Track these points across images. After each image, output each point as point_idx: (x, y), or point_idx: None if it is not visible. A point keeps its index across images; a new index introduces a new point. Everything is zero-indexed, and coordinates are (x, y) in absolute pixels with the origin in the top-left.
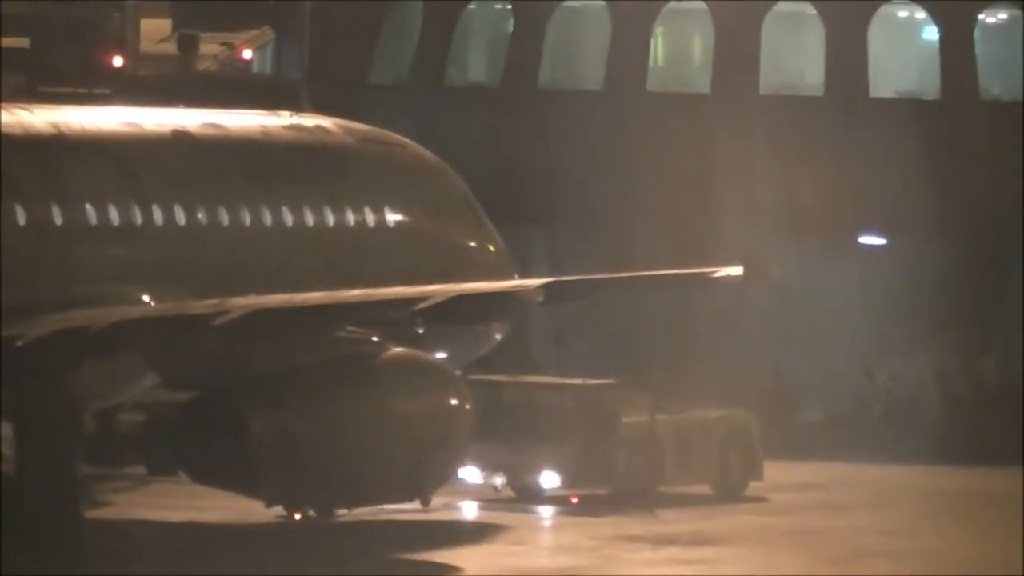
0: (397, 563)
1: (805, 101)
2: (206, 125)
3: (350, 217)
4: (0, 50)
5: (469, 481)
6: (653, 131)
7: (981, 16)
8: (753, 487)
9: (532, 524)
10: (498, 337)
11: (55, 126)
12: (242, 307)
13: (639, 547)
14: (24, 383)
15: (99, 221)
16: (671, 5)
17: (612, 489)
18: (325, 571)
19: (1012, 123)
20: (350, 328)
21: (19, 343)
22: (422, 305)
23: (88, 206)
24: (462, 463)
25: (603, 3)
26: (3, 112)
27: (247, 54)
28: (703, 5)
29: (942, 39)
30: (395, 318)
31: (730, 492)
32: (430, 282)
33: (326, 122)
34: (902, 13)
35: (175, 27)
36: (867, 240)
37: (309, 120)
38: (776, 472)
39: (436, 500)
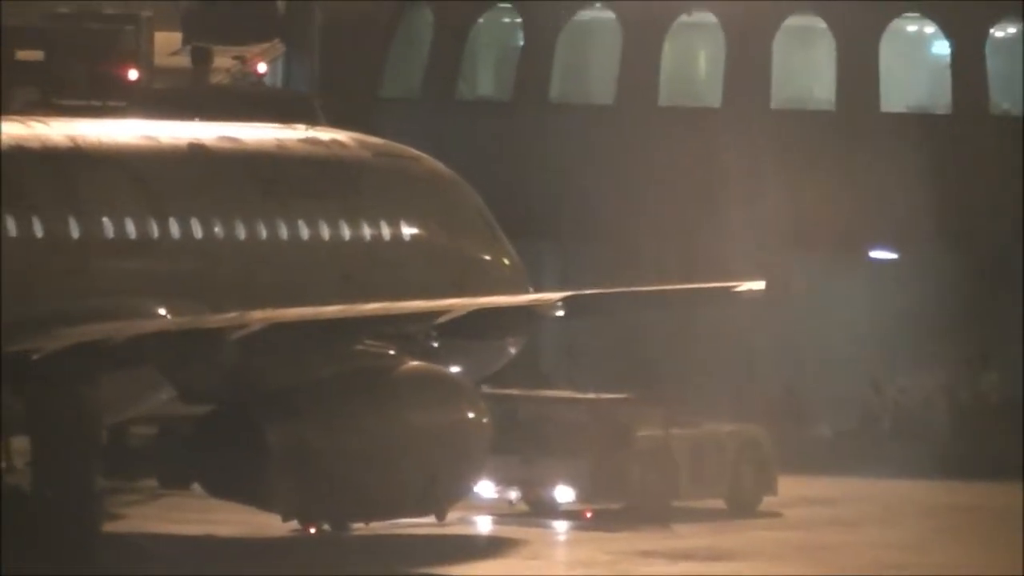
0: None
1: (816, 115)
2: (222, 138)
3: (365, 231)
4: (14, 63)
5: (483, 495)
6: (664, 145)
7: (992, 31)
8: (767, 502)
9: (547, 538)
10: (513, 351)
11: (72, 139)
12: (260, 321)
13: (655, 562)
14: (41, 396)
15: (116, 234)
16: (682, 19)
17: (626, 504)
18: None
19: (1022, 137)
20: (366, 342)
21: (36, 356)
22: (442, 319)
23: (105, 219)
24: (479, 477)
25: (614, 17)
26: (20, 125)
27: (262, 67)
28: (714, 19)
29: (953, 54)
30: (410, 332)
31: (744, 507)
32: (445, 296)
33: (341, 136)
34: (913, 27)
35: (185, 40)
36: (877, 254)
37: (324, 134)
38: (787, 487)
39: (450, 514)
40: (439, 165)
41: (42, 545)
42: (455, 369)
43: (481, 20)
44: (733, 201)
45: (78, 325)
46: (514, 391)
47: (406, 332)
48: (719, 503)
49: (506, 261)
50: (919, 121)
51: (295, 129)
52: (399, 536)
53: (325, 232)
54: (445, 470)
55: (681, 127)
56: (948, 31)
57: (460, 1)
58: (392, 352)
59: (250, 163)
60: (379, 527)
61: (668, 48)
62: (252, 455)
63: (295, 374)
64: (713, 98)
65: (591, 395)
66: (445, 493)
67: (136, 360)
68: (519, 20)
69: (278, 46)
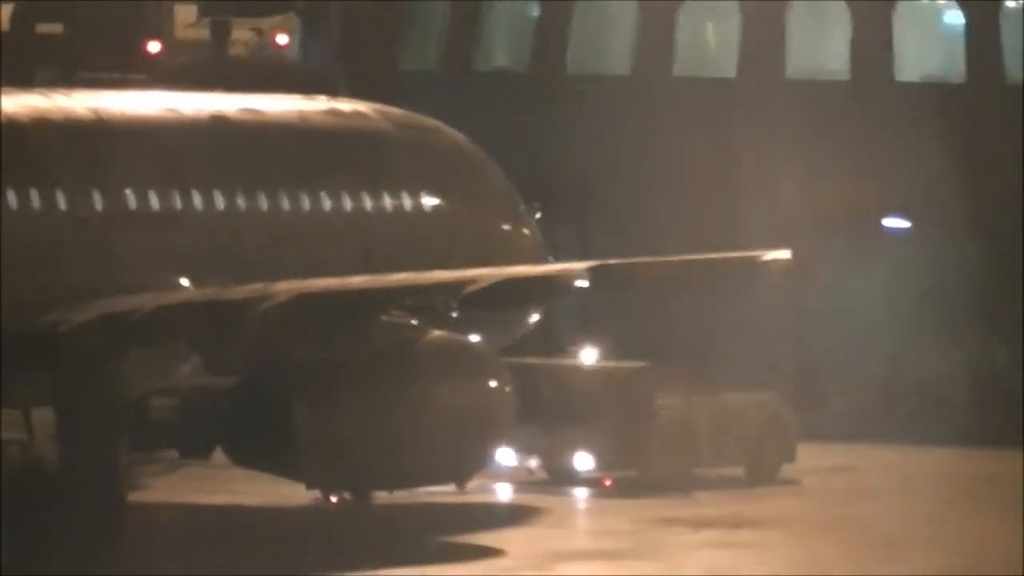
0: (440, 547)
1: (830, 86)
2: (244, 111)
3: (387, 202)
4: (35, 36)
5: (503, 463)
6: (679, 115)
7: (1005, 0)
8: (785, 469)
9: (569, 507)
10: (532, 321)
11: (95, 111)
12: (287, 292)
13: (679, 530)
14: (67, 369)
15: (139, 207)
16: None
17: (646, 472)
18: (371, 553)
19: None
20: (390, 312)
21: (62, 328)
22: (469, 290)
23: (128, 192)
24: (501, 446)
25: None
26: (43, 98)
27: (282, 39)
28: None
29: (967, 24)
30: (431, 303)
31: (763, 475)
32: (467, 267)
33: (362, 107)
34: None
35: (201, 12)
36: (891, 223)
37: (346, 105)
38: (805, 455)
39: (471, 483)
40: (460, 136)
41: (68, 517)
42: (475, 339)
43: None
44: (748, 171)
45: (103, 298)
46: (535, 360)
47: (427, 303)
48: (737, 471)
49: (526, 232)
50: (933, 91)
51: (317, 101)
52: (420, 505)
53: (347, 204)
54: (469, 439)
55: (696, 97)
56: (961, 1)
57: None
58: (415, 322)
59: (272, 135)
60: (400, 496)
61: (683, 18)
62: (278, 425)
63: (320, 345)
64: (728, 68)
65: (611, 364)
66: (469, 462)
67: (162, 332)
68: None
69: (294, 18)
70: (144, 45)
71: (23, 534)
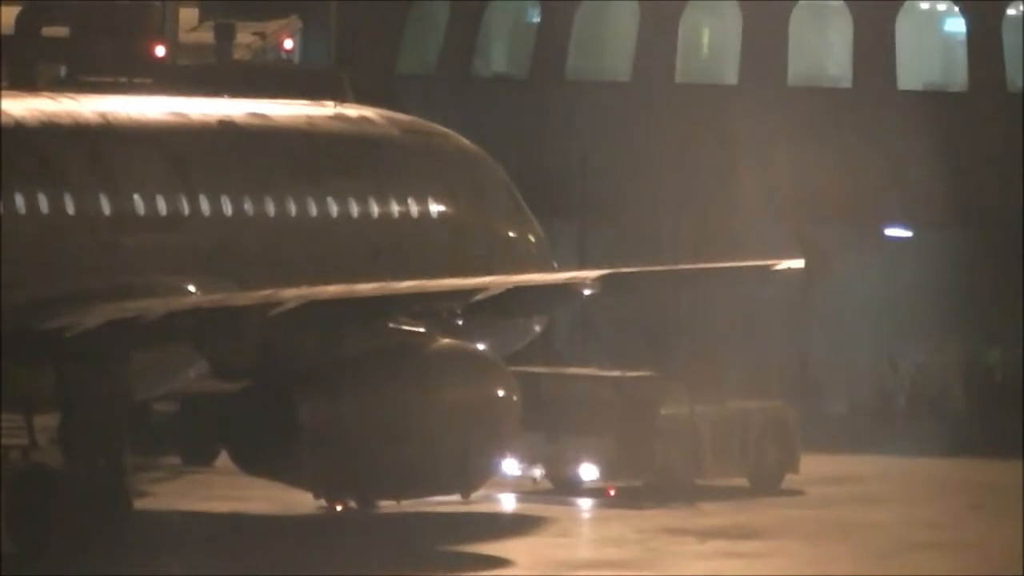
0: (446, 556)
1: (833, 93)
2: (251, 115)
3: (394, 207)
4: (40, 39)
5: (507, 473)
6: (679, 122)
7: (1007, 9)
8: (788, 479)
9: (574, 516)
10: (537, 329)
11: (103, 115)
12: (297, 298)
13: (685, 540)
14: (75, 374)
15: (147, 211)
16: None
17: (649, 481)
18: (377, 563)
19: None
20: (397, 319)
21: (69, 334)
22: (479, 297)
23: (136, 196)
24: (507, 455)
25: None
26: (51, 101)
27: (288, 44)
28: None
29: (969, 31)
30: (437, 309)
31: (767, 485)
32: (473, 273)
33: (369, 112)
34: (928, 5)
35: (202, 16)
36: (893, 232)
37: (352, 110)
38: (807, 464)
39: (475, 492)
40: (466, 142)
41: (74, 522)
42: (482, 347)
43: None
44: (749, 178)
45: (110, 302)
46: (539, 368)
47: (435, 310)
48: (741, 481)
49: (532, 238)
50: (935, 99)
51: (324, 106)
52: (424, 514)
53: (354, 209)
54: (477, 448)
55: (697, 104)
56: (964, 9)
57: None
58: (423, 329)
59: (280, 140)
60: (404, 504)
61: (685, 25)
62: (285, 432)
63: (329, 351)
64: (730, 75)
65: (615, 372)
66: (477, 471)
67: (170, 337)
68: None
69: (296, 22)
70: (150, 48)
71: (28, 539)
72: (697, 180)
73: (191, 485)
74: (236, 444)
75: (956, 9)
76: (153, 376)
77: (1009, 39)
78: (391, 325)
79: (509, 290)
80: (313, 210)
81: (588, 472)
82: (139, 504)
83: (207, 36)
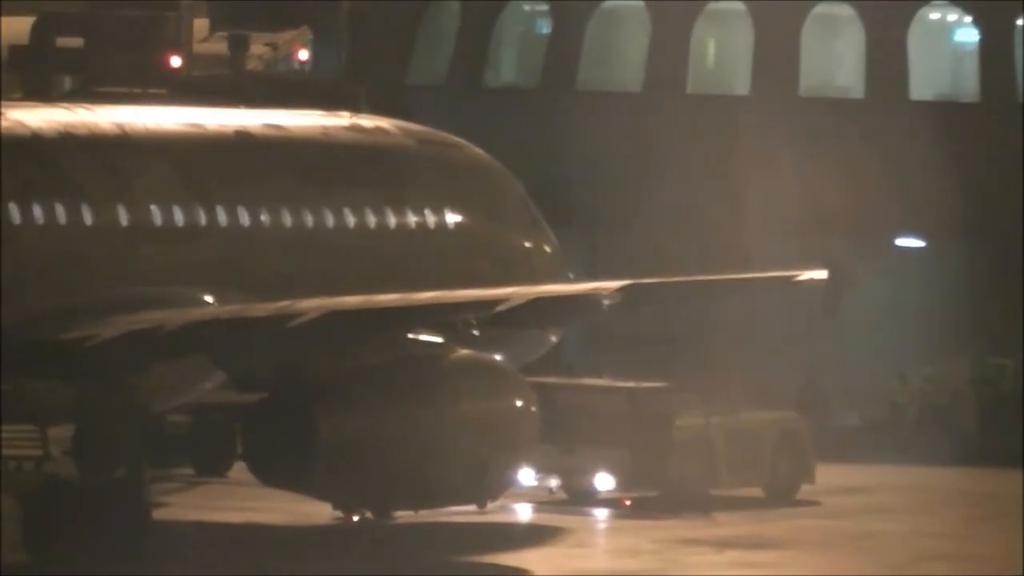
0: (463, 566)
1: (845, 104)
2: (267, 126)
3: (409, 218)
4: (55, 50)
5: (522, 483)
6: (691, 133)
7: (1019, 20)
8: (803, 490)
9: (590, 527)
10: (553, 340)
11: (119, 126)
12: (316, 309)
13: (701, 550)
14: (91, 385)
15: (164, 222)
16: (711, 6)
17: (664, 492)
18: (392, 573)
19: None
20: (415, 330)
21: (87, 344)
22: (500, 308)
23: (153, 207)
24: (524, 466)
25: (642, 4)
26: (66, 112)
27: (303, 55)
28: (742, 6)
29: (981, 42)
30: (454, 320)
31: (781, 495)
32: (489, 284)
33: (384, 123)
34: (939, 15)
35: (213, 27)
36: (904, 242)
37: (368, 121)
38: (821, 475)
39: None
40: (480, 152)
41: (92, 534)
42: (499, 357)
43: (508, 7)
44: (761, 188)
45: (127, 313)
46: (554, 379)
47: (451, 321)
48: (756, 491)
49: (547, 248)
50: (946, 109)
51: (339, 117)
52: (440, 524)
53: (370, 220)
54: (495, 459)
55: (709, 115)
56: (976, 20)
57: None
58: (441, 341)
59: (296, 151)
60: (421, 515)
61: (696, 36)
62: (303, 443)
63: (347, 362)
64: (741, 86)
65: (630, 384)
66: (494, 482)
67: (188, 348)
68: (546, 7)
69: (307, 33)
70: (164, 59)
71: (45, 550)
72: (708, 190)
73: (204, 496)
74: (254, 455)
75: (967, 19)
76: (170, 387)
77: (1021, 50)
78: (408, 336)
79: (530, 301)
80: (330, 221)
81: (604, 483)
82: (154, 514)
83: (219, 47)
